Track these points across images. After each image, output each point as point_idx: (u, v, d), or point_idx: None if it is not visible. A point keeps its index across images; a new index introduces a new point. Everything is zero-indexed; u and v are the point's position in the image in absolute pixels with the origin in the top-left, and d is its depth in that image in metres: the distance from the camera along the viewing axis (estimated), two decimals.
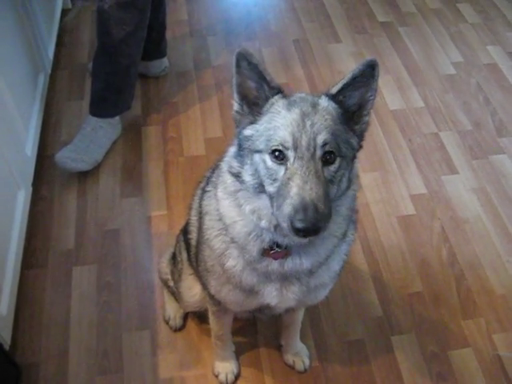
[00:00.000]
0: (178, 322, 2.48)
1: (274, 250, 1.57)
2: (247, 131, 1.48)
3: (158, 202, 2.93)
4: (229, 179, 1.56)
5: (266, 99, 1.47)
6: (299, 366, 2.37)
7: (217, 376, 2.35)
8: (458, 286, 2.67)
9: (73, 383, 2.31)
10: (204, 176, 1.92)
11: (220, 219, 1.64)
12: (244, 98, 1.49)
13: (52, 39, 3.60)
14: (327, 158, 1.38)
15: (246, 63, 1.42)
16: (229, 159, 1.57)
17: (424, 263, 2.74)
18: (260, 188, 1.45)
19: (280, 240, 1.54)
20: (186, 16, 4.13)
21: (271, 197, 1.41)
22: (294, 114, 1.40)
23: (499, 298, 2.63)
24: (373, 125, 3.32)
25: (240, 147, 1.51)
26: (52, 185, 2.99)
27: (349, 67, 3.69)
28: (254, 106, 1.49)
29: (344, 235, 1.66)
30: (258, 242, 1.58)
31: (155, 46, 3.49)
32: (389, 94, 3.57)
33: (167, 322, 2.48)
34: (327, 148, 1.37)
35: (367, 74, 1.45)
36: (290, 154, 1.37)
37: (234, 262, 1.69)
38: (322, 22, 4.12)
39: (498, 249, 2.81)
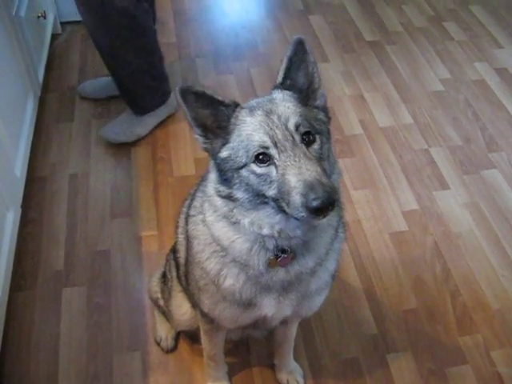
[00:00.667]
0: (170, 342, 2.43)
1: (281, 257, 1.56)
2: (223, 154, 1.46)
3: (148, 222, 2.91)
4: (219, 201, 1.53)
5: (228, 118, 1.46)
6: None
7: None
8: (454, 302, 2.64)
9: None
10: (189, 193, 1.90)
11: (211, 242, 1.62)
12: (204, 127, 1.48)
13: (42, 63, 3.62)
14: (308, 140, 1.40)
15: (193, 96, 1.41)
16: (214, 185, 1.54)
17: (418, 279, 2.72)
18: (257, 199, 1.44)
19: (285, 244, 1.53)
20: (175, 38, 4.15)
21: (275, 200, 1.40)
22: (259, 116, 1.41)
23: (495, 313, 2.60)
24: (363, 142, 3.36)
25: (221, 171, 1.49)
26: (41, 206, 2.97)
27: (338, 86, 3.73)
28: (218, 130, 1.48)
29: (337, 226, 1.67)
30: (262, 255, 1.57)
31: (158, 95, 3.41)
32: (378, 111, 3.58)
33: (158, 343, 2.44)
34: (302, 129, 1.39)
35: (300, 52, 1.50)
36: (273, 151, 1.37)
37: (232, 280, 1.66)
38: (309, 43, 4.00)
39: (492, 263, 2.79)
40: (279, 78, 1.52)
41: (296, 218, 1.37)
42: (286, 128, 1.38)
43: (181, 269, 2.01)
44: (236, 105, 1.47)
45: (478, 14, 4.45)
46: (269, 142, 1.37)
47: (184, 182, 3.10)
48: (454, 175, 3.20)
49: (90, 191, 3.06)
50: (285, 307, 1.73)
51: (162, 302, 2.35)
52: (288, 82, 1.51)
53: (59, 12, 4.09)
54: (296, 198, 1.32)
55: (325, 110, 1.55)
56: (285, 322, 1.98)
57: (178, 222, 2.00)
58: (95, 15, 2.95)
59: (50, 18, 3.96)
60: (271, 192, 1.39)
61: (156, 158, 3.25)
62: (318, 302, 1.86)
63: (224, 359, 2.30)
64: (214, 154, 1.50)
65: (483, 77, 3.87)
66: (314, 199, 1.29)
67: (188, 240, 1.79)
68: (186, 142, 3.34)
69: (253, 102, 1.50)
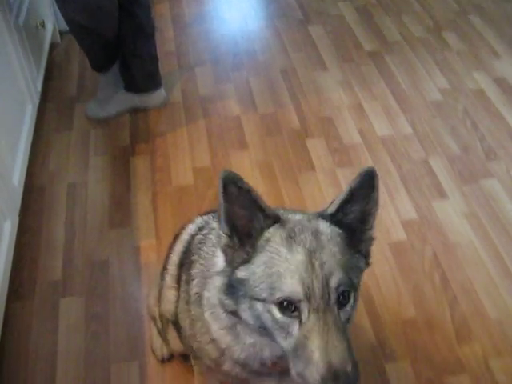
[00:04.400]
0: (166, 352, 2.39)
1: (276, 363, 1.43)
2: (241, 273, 1.26)
3: (146, 231, 2.90)
4: (222, 314, 1.38)
5: (261, 231, 1.26)
6: None
7: None
8: (452, 312, 2.63)
9: None
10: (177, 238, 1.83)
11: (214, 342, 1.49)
12: (233, 228, 1.28)
13: (41, 72, 3.62)
14: (342, 301, 1.22)
15: (236, 189, 1.22)
16: (218, 294, 1.36)
17: (416, 289, 2.71)
18: (266, 331, 1.27)
19: None
20: (174, 48, 4.16)
21: (286, 351, 1.24)
22: (299, 254, 1.19)
23: (494, 323, 2.59)
24: (361, 151, 3.36)
25: (232, 289, 1.29)
26: (39, 215, 2.96)
27: (336, 96, 3.73)
28: (246, 239, 1.28)
29: None
30: (257, 359, 1.45)
31: (151, 78, 3.55)
32: (377, 121, 3.58)
33: (154, 352, 2.42)
34: (341, 289, 1.20)
35: (367, 186, 1.28)
36: (303, 305, 1.17)
37: (230, 366, 1.55)
38: (308, 52, 4.15)
39: (490, 273, 2.78)
40: (332, 209, 1.30)
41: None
42: (327, 283, 1.18)
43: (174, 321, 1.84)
44: (276, 220, 1.27)
45: (476, 24, 4.45)
46: (302, 295, 1.17)
47: (183, 191, 3.10)
48: (452, 185, 3.20)
49: (88, 201, 3.06)
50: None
51: (159, 324, 2.20)
52: (340, 214, 1.29)
53: (58, 21, 4.07)
54: (312, 375, 1.15)
55: (367, 255, 1.36)
56: None
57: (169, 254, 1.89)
58: None
59: (49, 27, 3.97)
60: (284, 343, 1.23)
61: (155, 168, 3.24)
62: None
63: None
64: (231, 265, 1.30)
65: (482, 87, 3.87)
66: None
67: (190, 315, 1.61)
68: (184, 152, 3.34)
69: (293, 224, 1.26)
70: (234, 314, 1.31)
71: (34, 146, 3.24)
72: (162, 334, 2.24)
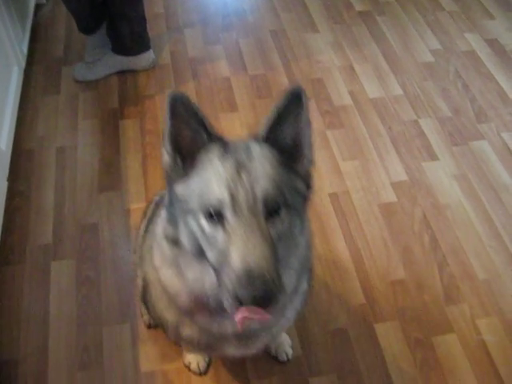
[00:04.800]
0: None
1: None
2: (179, 188, 1.29)
3: (136, 194, 2.89)
4: (165, 246, 1.39)
5: (203, 147, 1.28)
6: (282, 356, 2.33)
7: (188, 367, 2.28)
8: (441, 272, 2.66)
9: (53, 379, 2.27)
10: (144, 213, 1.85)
11: (164, 289, 1.49)
12: (177, 147, 1.30)
13: (26, 34, 3.55)
14: (271, 212, 1.21)
15: (183, 109, 1.24)
16: (163, 223, 1.40)
17: (406, 250, 2.73)
18: (200, 253, 1.27)
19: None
20: (163, 9, 4.08)
21: (214, 268, 1.23)
22: (228, 164, 1.22)
23: (482, 284, 2.62)
24: (352, 113, 3.35)
25: (171, 206, 1.33)
26: (29, 179, 2.94)
27: (327, 57, 3.70)
28: (187, 157, 1.30)
29: (296, 288, 1.51)
30: (204, 305, 1.43)
31: (139, 40, 3.49)
32: (367, 83, 3.55)
33: (142, 316, 2.43)
34: (269, 200, 1.20)
35: (294, 105, 1.27)
36: (228, 212, 1.18)
37: (189, 330, 1.57)
38: (299, 13, 4.09)
39: (479, 234, 2.80)
40: (262, 130, 1.30)
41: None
42: (253, 192, 1.19)
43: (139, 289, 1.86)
44: (220, 141, 1.29)
45: None
46: (227, 200, 1.18)
47: None
48: (443, 146, 3.20)
49: (77, 164, 3.03)
50: (249, 349, 1.64)
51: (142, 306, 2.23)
52: (272, 135, 1.30)
53: None
54: (228, 282, 1.15)
55: (307, 178, 1.35)
56: None
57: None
58: None
59: None
60: (210, 256, 1.23)
61: (144, 131, 3.22)
62: (283, 330, 1.78)
63: None
64: (171, 182, 1.33)
65: (474, 48, 3.84)
66: (244, 293, 1.11)
67: (144, 283, 1.67)
68: None
69: (232, 143, 1.30)
70: (176, 243, 1.33)
71: (21, 109, 3.21)
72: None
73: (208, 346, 1.63)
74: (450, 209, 2.90)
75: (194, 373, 2.28)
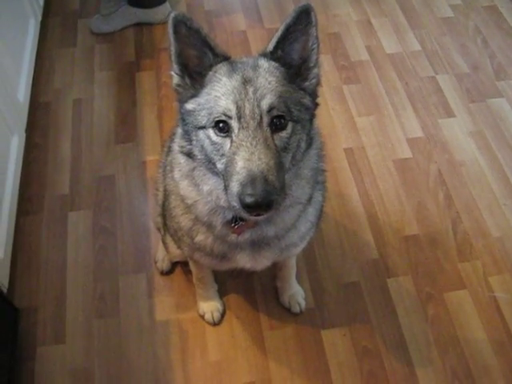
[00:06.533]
0: (166, 264, 2.46)
1: (238, 224, 1.51)
2: (189, 105, 1.37)
3: (152, 146, 2.91)
4: (182, 159, 1.48)
5: (210, 67, 1.35)
6: (295, 308, 2.37)
7: (203, 316, 2.34)
8: (455, 229, 2.67)
9: (70, 326, 2.33)
10: (165, 144, 1.90)
11: (182, 200, 1.59)
12: (185, 68, 1.37)
13: None
14: (277, 124, 1.29)
15: (185, 29, 1.29)
16: (178, 140, 1.49)
17: (420, 206, 2.74)
18: (211, 165, 1.35)
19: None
20: None
21: (222, 175, 1.31)
22: (235, 80, 1.29)
23: (495, 241, 2.63)
24: (369, 68, 3.32)
25: (184, 123, 1.40)
26: (46, 131, 2.97)
27: (345, 12, 3.64)
28: (196, 76, 1.37)
29: (310, 199, 1.58)
30: (220, 219, 1.53)
31: None
32: (385, 38, 3.51)
33: (155, 263, 2.48)
34: (275, 113, 1.28)
35: (303, 22, 1.31)
36: (234, 124, 1.27)
37: (202, 236, 1.65)
38: None
39: (494, 192, 2.80)
40: (270, 46, 1.36)
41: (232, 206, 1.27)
42: (258, 105, 1.26)
43: (160, 210, 1.99)
44: (226, 58, 1.35)
45: None
46: (233, 113, 1.26)
47: None
48: (460, 103, 3.17)
49: (94, 116, 3.05)
50: (260, 261, 1.71)
51: (162, 233, 2.33)
52: (279, 52, 1.36)
53: None
54: (234, 185, 1.23)
55: (314, 94, 1.41)
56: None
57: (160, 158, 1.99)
58: None
59: None
60: (219, 165, 1.31)
61: (160, 83, 3.21)
62: (295, 251, 1.83)
63: (213, 280, 2.34)
64: (181, 101, 1.40)
65: (495, 2, 3.77)
66: (248, 194, 1.20)
67: (165, 193, 1.76)
68: None
69: (239, 61, 1.36)
70: (190, 156, 1.42)
71: (38, 62, 3.21)
72: (163, 240, 2.30)
73: (221, 254, 1.70)
74: (466, 166, 2.89)
75: (208, 323, 2.33)
